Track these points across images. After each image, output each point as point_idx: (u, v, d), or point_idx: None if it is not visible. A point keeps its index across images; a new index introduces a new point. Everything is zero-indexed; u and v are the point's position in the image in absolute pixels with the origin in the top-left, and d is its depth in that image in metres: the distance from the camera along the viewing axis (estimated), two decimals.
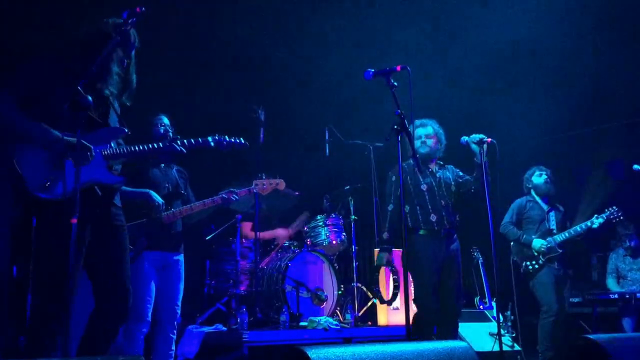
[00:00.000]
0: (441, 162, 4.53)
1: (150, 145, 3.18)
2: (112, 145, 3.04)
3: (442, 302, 4.14)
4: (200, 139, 3.40)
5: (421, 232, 4.23)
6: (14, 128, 2.83)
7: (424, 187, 4.32)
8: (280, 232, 6.42)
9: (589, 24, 6.06)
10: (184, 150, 3.32)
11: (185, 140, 3.35)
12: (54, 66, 2.92)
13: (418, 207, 4.28)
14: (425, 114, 4.53)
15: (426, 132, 4.43)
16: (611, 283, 6.60)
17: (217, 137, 3.49)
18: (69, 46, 3.00)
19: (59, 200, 2.77)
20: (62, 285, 2.60)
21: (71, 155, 2.82)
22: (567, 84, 6.77)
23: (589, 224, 5.46)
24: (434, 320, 4.12)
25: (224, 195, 4.27)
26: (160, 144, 3.22)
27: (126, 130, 3.09)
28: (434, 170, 4.43)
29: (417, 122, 4.45)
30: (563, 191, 5.94)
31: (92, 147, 2.90)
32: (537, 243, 5.44)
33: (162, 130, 4.23)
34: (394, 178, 4.31)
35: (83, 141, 2.83)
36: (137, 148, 3.13)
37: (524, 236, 5.54)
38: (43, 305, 2.76)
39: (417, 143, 4.37)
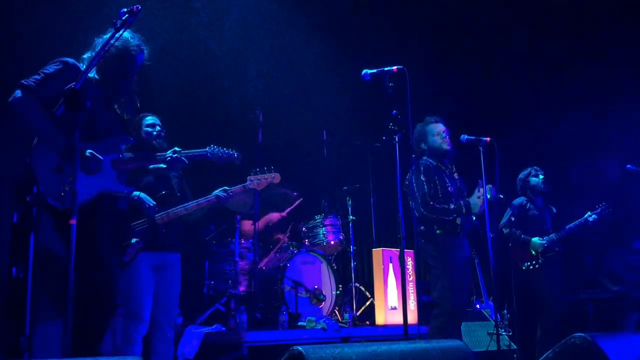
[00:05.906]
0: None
1: (157, 156, 3.43)
2: (119, 154, 3.08)
3: None
4: (199, 151, 3.73)
5: (438, 231, 4.15)
6: (31, 125, 2.84)
7: (451, 189, 4.21)
8: (273, 215, 6.37)
9: None
10: (186, 161, 3.67)
11: (186, 152, 3.67)
12: (76, 71, 2.90)
13: None
14: (423, 114, 4.53)
15: (444, 129, 4.31)
16: None
17: (213, 149, 3.79)
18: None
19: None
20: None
21: (80, 163, 2.84)
22: None
23: (583, 220, 5.52)
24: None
25: (218, 193, 4.24)
26: (167, 156, 3.55)
27: (132, 140, 3.14)
28: (453, 171, 4.33)
29: (432, 118, 4.36)
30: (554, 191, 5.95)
31: (102, 158, 2.94)
32: (537, 242, 5.47)
33: (154, 133, 4.14)
34: (422, 177, 4.17)
35: (96, 154, 2.90)
36: (143, 157, 3.32)
37: (523, 236, 5.55)
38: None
39: (439, 140, 4.27)
